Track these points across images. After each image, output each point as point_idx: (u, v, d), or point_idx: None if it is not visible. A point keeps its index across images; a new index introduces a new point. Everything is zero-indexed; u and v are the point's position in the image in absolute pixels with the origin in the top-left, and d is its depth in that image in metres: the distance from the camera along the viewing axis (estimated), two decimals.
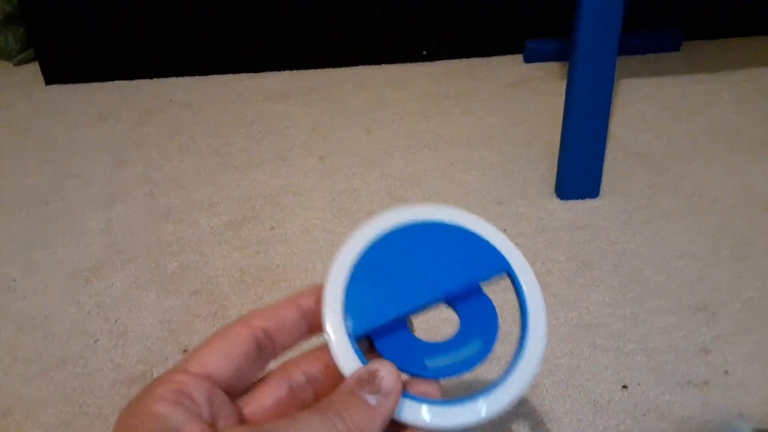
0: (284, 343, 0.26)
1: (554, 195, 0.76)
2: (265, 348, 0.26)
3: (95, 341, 0.59)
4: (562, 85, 0.72)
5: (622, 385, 0.52)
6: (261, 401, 0.25)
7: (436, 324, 0.28)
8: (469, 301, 0.27)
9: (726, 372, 0.53)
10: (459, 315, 0.27)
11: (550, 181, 0.78)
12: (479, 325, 0.27)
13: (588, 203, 0.74)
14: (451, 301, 0.27)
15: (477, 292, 0.27)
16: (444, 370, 0.25)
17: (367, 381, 0.23)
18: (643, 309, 0.59)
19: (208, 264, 0.67)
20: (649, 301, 0.60)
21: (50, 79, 1.13)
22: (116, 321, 0.61)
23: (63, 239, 0.73)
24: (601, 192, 0.75)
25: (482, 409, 0.24)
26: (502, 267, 0.28)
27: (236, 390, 0.25)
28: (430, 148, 0.88)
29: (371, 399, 0.23)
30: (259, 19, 1.10)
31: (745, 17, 1.16)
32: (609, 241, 0.68)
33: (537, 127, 0.92)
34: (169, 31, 1.11)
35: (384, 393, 0.23)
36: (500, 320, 0.27)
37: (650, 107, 0.96)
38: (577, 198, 0.75)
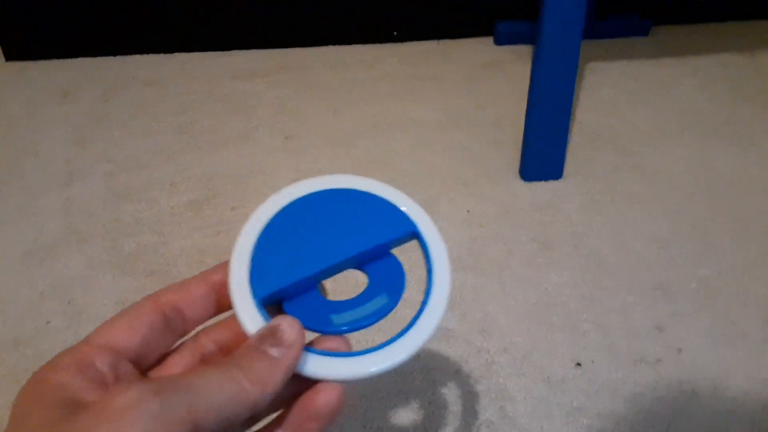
0: (195, 317, 0.26)
1: (519, 177, 0.76)
2: (173, 321, 0.26)
3: (47, 323, 0.58)
4: None
5: (576, 362, 0.53)
6: (170, 370, 0.25)
7: (350, 289, 0.28)
8: (377, 263, 0.28)
9: (679, 350, 0.54)
10: (368, 275, 0.28)
11: (515, 163, 0.78)
12: (386, 283, 0.27)
13: (551, 185, 0.74)
14: (361, 265, 0.28)
15: (386, 254, 0.28)
16: (349, 325, 0.26)
17: (269, 335, 0.23)
18: (600, 289, 0.60)
19: (167, 245, 0.66)
20: (606, 281, 0.61)
21: (11, 55, 1.09)
22: (70, 302, 0.60)
23: (19, 218, 0.71)
24: (565, 174, 0.76)
25: (379, 361, 0.25)
26: (408, 229, 0.28)
27: (145, 362, 0.25)
28: (398, 129, 0.88)
29: (273, 351, 0.23)
30: None
31: (713, 3, 1.17)
32: (570, 222, 0.69)
33: (506, 109, 0.91)
34: (135, 7, 1.08)
35: (285, 345, 0.23)
36: (410, 280, 0.27)
37: (616, 91, 0.96)
38: (540, 180, 0.75)
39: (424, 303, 0.27)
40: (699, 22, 1.18)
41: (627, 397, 0.50)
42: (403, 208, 0.29)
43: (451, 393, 0.51)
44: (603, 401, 0.50)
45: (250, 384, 0.22)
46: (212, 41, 1.11)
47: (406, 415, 0.49)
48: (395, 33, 1.14)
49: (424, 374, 0.52)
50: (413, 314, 0.26)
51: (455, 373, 0.52)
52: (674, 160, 0.80)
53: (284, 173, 0.78)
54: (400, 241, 0.28)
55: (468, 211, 0.71)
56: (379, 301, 0.27)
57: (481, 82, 1.00)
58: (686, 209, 0.71)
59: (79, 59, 1.10)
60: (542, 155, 0.74)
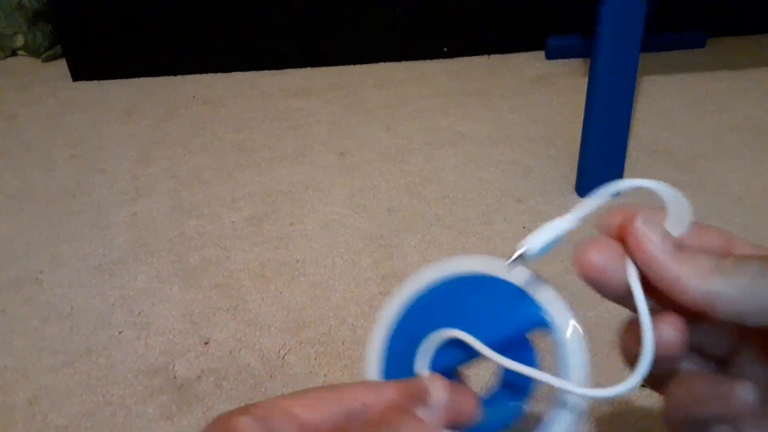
0: (376, 416, 0.24)
1: (575, 192, 0.75)
2: (356, 414, 0.24)
3: (119, 333, 0.60)
4: (584, 82, 0.72)
5: (642, 384, 0.52)
6: None
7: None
8: (512, 353, 0.25)
9: None
10: (499, 369, 0.26)
11: (570, 179, 0.77)
12: (519, 381, 0.25)
13: (609, 201, 0.73)
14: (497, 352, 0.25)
15: (522, 343, 0.26)
16: (479, 428, 0.24)
17: (418, 396, 0.22)
18: None
19: (230, 258, 0.69)
20: None
21: (77, 75, 1.15)
22: (140, 313, 0.62)
23: (89, 233, 0.75)
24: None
25: None
26: (537, 320, 0.26)
27: None
28: (450, 144, 0.88)
29: (421, 412, 0.22)
30: (282, 17, 1.11)
31: None
32: None
33: (558, 124, 0.91)
34: (193, 29, 1.12)
35: (435, 407, 0.22)
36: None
37: (674, 104, 0.94)
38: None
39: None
40: (756, 33, 1.15)
41: None
42: (533, 295, 0.26)
43: None
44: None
45: None
46: (267, 60, 1.14)
47: None
48: (445, 49, 1.15)
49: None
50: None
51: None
52: (736, 175, 0.78)
53: (340, 190, 0.79)
54: (529, 332, 0.26)
55: (524, 227, 0.71)
56: (510, 407, 0.25)
57: (532, 96, 1.00)
58: (750, 227, 0.69)
59: (141, 79, 1.15)
60: (600, 170, 0.73)
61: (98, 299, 0.65)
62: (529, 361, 0.24)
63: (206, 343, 0.58)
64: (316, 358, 0.56)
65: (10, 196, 0.83)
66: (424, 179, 0.81)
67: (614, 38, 0.66)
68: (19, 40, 1.23)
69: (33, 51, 1.24)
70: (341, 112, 0.99)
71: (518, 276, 0.26)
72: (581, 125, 0.73)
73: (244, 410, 0.23)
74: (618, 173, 0.74)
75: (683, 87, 0.99)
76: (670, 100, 0.95)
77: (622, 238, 0.24)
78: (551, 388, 0.24)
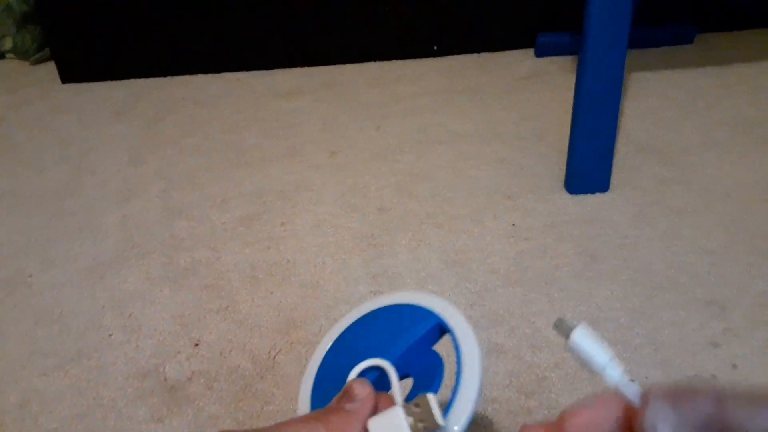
0: None
1: (564, 189, 0.76)
2: None
3: (110, 335, 0.60)
4: (574, 79, 0.72)
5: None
6: None
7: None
8: (420, 363, 0.32)
9: (734, 366, 0.53)
10: (413, 377, 0.32)
11: (560, 176, 0.78)
12: (428, 380, 0.31)
13: (598, 197, 0.74)
14: (407, 369, 0.32)
15: (428, 354, 0.32)
16: None
17: (343, 394, 0.27)
18: (651, 303, 0.59)
19: (220, 260, 0.68)
20: (658, 295, 0.60)
21: (66, 77, 1.15)
22: (130, 315, 0.62)
23: (79, 235, 0.74)
24: (612, 186, 0.75)
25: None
26: (433, 322, 0.32)
27: None
28: (440, 143, 0.88)
29: (348, 406, 0.27)
30: (271, 17, 1.11)
31: (760, 9, 1.15)
32: (618, 235, 0.68)
33: (548, 121, 0.91)
34: (183, 30, 1.12)
35: (358, 400, 0.27)
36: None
37: (662, 101, 0.95)
38: (586, 192, 0.74)
39: (455, 388, 0.30)
40: (745, 29, 1.16)
41: None
42: (430, 307, 0.33)
43: (502, 408, 0.51)
44: None
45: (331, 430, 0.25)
46: (258, 61, 1.14)
47: None
48: (435, 47, 1.15)
49: None
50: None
51: (506, 388, 0.52)
52: (724, 170, 0.78)
53: (331, 189, 0.80)
54: (428, 338, 0.32)
55: (513, 224, 0.71)
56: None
57: (523, 94, 1.00)
58: (738, 222, 0.69)
59: (131, 80, 1.14)
60: (588, 167, 0.73)
61: (89, 301, 0.64)
62: (435, 362, 0.31)
63: (197, 345, 0.58)
64: (307, 358, 0.56)
65: None
66: (414, 178, 0.81)
67: (601, 35, 0.66)
68: (8, 43, 1.23)
69: (22, 53, 1.24)
70: (332, 111, 0.99)
71: (426, 300, 0.33)
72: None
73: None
74: (606, 170, 0.74)
75: (672, 83, 0.99)
76: (658, 97, 0.96)
77: None
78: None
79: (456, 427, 0.28)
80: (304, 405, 0.32)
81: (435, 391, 0.30)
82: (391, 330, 0.32)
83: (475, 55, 1.15)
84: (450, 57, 1.15)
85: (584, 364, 0.24)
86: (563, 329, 0.24)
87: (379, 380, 0.31)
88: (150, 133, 0.96)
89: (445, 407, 0.29)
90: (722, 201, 0.73)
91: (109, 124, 1.00)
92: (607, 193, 0.74)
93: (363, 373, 0.31)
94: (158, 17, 1.11)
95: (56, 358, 0.58)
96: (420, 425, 0.28)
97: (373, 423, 0.28)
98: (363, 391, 0.28)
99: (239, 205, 0.77)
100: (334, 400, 0.28)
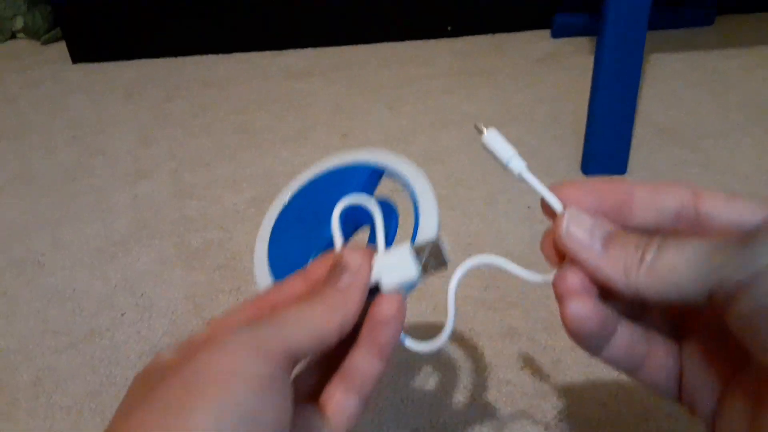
0: None
1: (580, 172, 0.75)
2: None
3: (122, 314, 0.60)
4: (591, 61, 0.71)
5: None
6: None
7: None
8: (367, 213, 0.30)
9: None
10: (370, 226, 0.30)
11: (576, 158, 0.76)
12: (386, 224, 0.30)
13: None
14: (360, 223, 0.31)
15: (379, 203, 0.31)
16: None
17: (336, 268, 0.26)
18: None
19: (232, 240, 0.68)
20: None
21: (77, 57, 1.14)
22: (142, 295, 0.62)
23: (90, 215, 0.74)
24: (629, 169, 0.74)
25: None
26: (366, 171, 0.32)
27: None
28: (454, 125, 0.87)
29: (344, 279, 0.25)
30: None
31: None
32: None
33: (564, 103, 0.90)
34: (194, 10, 1.11)
35: (354, 271, 0.26)
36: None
37: (681, 83, 0.93)
38: (604, 174, 0.73)
39: (414, 206, 0.30)
40: (766, 11, 1.13)
41: None
42: (367, 159, 0.33)
43: (516, 390, 0.50)
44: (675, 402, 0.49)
45: (332, 311, 0.24)
46: (268, 41, 1.13)
47: (472, 411, 0.49)
48: (449, 28, 1.13)
49: (489, 371, 0.52)
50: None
51: (520, 370, 0.52)
52: (743, 154, 0.77)
53: None
54: (368, 183, 0.32)
55: (528, 207, 0.70)
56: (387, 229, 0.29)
57: (538, 75, 0.99)
58: None
59: (142, 60, 1.14)
60: (605, 149, 0.72)
61: (100, 281, 0.64)
62: (389, 209, 0.30)
63: (208, 324, 0.58)
64: None
65: (10, 179, 0.82)
66: (427, 160, 0.80)
67: (621, 16, 0.65)
68: (19, 23, 1.22)
69: (32, 33, 1.23)
70: (343, 92, 0.98)
71: (374, 156, 0.33)
72: (587, 103, 0.72)
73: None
74: (624, 152, 0.73)
75: (691, 65, 0.98)
76: (677, 79, 0.94)
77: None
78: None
79: (433, 236, 0.28)
80: (263, 276, 0.30)
81: (394, 232, 0.30)
82: (331, 197, 0.31)
83: (490, 35, 1.13)
84: (464, 38, 1.13)
85: (495, 159, 0.29)
86: (479, 131, 0.29)
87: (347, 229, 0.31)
88: (160, 113, 0.96)
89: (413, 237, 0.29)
90: (741, 184, 0.71)
91: (119, 104, 1.00)
92: (624, 175, 0.73)
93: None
94: None
95: (69, 336, 0.58)
96: (431, 262, 0.27)
97: (379, 261, 0.27)
98: (356, 258, 0.26)
99: (250, 187, 0.77)
100: (327, 272, 0.26)
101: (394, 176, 0.32)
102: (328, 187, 0.32)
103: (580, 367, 0.52)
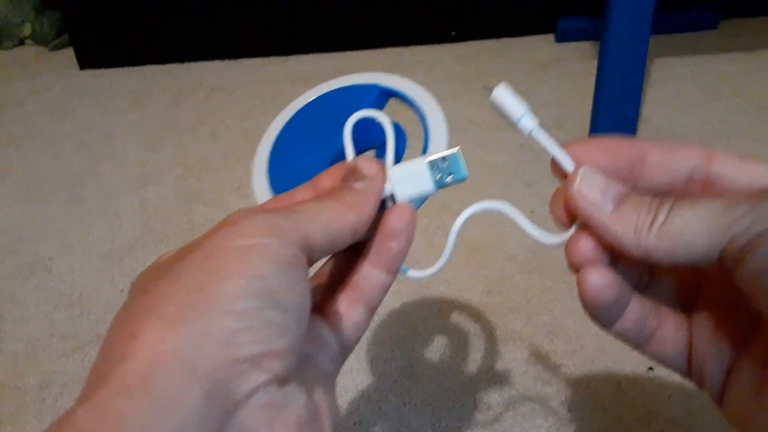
0: None
1: None
2: None
3: None
4: (595, 65, 0.71)
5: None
6: None
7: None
8: (377, 132, 0.29)
9: None
10: (375, 149, 0.30)
11: None
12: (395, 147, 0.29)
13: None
14: (367, 145, 0.30)
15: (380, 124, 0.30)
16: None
17: (350, 173, 0.25)
18: None
19: None
20: None
21: (85, 63, 1.15)
22: None
23: (97, 220, 0.75)
24: None
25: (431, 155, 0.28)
26: (375, 90, 0.31)
27: None
28: (458, 130, 0.88)
29: (358, 185, 0.25)
30: (289, 2, 1.11)
31: None
32: None
33: (568, 108, 0.90)
34: (200, 16, 1.12)
35: (368, 177, 0.25)
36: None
37: (686, 87, 0.93)
38: None
39: (423, 124, 0.30)
40: None
41: (702, 402, 0.49)
42: (379, 82, 0.32)
43: (518, 395, 0.50)
44: (677, 407, 0.49)
45: (346, 208, 0.24)
46: (274, 46, 1.14)
47: (474, 415, 0.49)
48: (453, 33, 1.14)
49: (491, 375, 0.52)
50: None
51: (522, 375, 0.52)
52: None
53: None
54: (377, 103, 0.31)
55: (532, 211, 0.70)
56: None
57: (542, 80, 0.99)
58: None
59: (149, 66, 1.15)
60: None
61: (107, 285, 0.65)
62: (397, 131, 0.29)
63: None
64: None
65: (18, 184, 0.83)
66: None
67: (624, 20, 0.65)
68: (27, 29, 1.23)
69: (40, 40, 1.24)
70: None
71: (376, 78, 0.32)
72: (591, 109, 0.72)
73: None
74: None
75: (695, 69, 0.98)
76: (681, 83, 0.94)
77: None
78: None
79: (444, 149, 0.28)
80: (262, 191, 0.30)
81: (402, 152, 0.29)
82: (338, 113, 0.30)
83: (494, 40, 1.13)
84: (467, 43, 1.13)
85: (504, 117, 0.28)
86: (489, 91, 0.27)
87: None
88: (167, 119, 0.97)
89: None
90: None
91: (126, 110, 1.01)
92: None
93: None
94: (176, 3, 1.11)
95: (76, 340, 0.59)
96: (448, 178, 0.27)
97: (395, 171, 0.26)
98: (371, 166, 0.25)
99: None
100: (342, 178, 0.25)
101: (401, 97, 0.32)
102: (336, 105, 0.32)
103: (582, 372, 0.52)
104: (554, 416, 0.49)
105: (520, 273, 0.62)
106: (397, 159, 0.28)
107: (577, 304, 0.55)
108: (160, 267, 0.22)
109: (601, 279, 0.25)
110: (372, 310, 0.26)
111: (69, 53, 1.17)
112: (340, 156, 0.29)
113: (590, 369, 0.52)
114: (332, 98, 0.32)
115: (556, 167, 0.28)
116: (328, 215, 0.23)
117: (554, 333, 0.55)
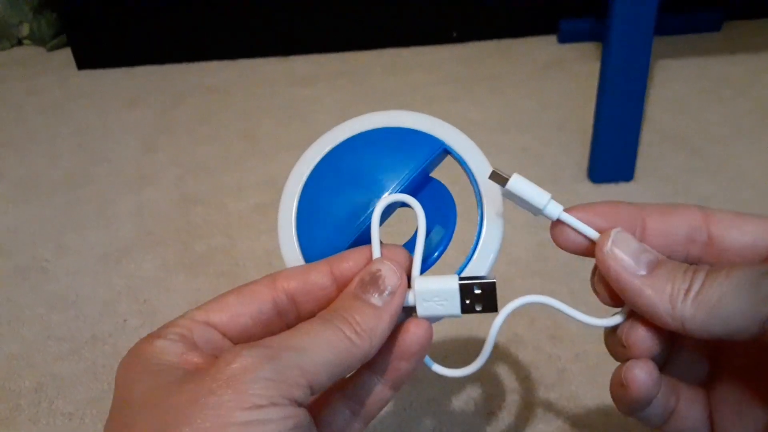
0: (309, 309, 0.25)
1: (587, 179, 0.74)
2: (285, 311, 0.24)
3: (124, 321, 0.60)
4: (598, 67, 0.70)
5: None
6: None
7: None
8: (423, 194, 0.27)
9: None
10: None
11: (582, 165, 0.76)
12: (436, 213, 0.26)
13: (622, 187, 0.72)
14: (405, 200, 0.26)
15: (428, 181, 0.27)
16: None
17: (370, 282, 0.23)
18: None
19: (236, 247, 0.68)
20: None
21: (82, 64, 1.15)
22: (145, 301, 0.62)
23: (94, 222, 0.74)
24: (636, 175, 0.73)
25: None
26: (438, 146, 0.27)
27: (242, 341, 0.24)
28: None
29: (376, 300, 0.22)
30: (287, 2, 1.10)
31: None
32: None
33: (570, 110, 0.89)
34: (198, 16, 1.11)
35: (389, 292, 0.23)
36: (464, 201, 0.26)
37: (688, 89, 0.92)
38: (610, 181, 0.73)
39: (480, 220, 0.26)
40: None
41: None
42: (427, 130, 0.27)
43: (521, 400, 0.50)
44: None
45: (357, 337, 0.21)
46: (273, 47, 1.13)
47: (475, 419, 0.48)
48: (455, 34, 1.13)
49: (493, 379, 0.51)
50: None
51: (525, 379, 0.51)
52: (751, 159, 0.76)
53: None
54: (432, 163, 0.27)
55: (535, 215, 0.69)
56: (436, 235, 0.26)
57: (544, 81, 0.98)
58: (766, 211, 0.67)
59: (147, 67, 1.14)
60: (612, 156, 0.72)
61: (104, 288, 0.64)
62: (441, 192, 0.27)
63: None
64: None
65: (15, 185, 0.83)
66: None
67: (627, 21, 0.64)
68: (25, 29, 1.23)
69: (38, 40, 1.24)
70: (348, 99, 0.98)
71: (421, 122, 0.28)
72: (593, 110, 0.72)
73: (157, 334, 0.22)
74: (631, 159, 0.72)
75: (698, 71, 0.97)
76: (684, 85, 0.93)
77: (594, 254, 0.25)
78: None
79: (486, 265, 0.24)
80: (291, 253, 0.26)
81: (450, 227, 0.26)
82: (387, 156, 0.26)
83: (496, 41, 1.13)
84: (469, 44, 1.13)
85: (525, 206, 0.26)
86: (499, 178, 0.26)
87: (386, 214, 0.26)
88: (165, 120, 0.96)
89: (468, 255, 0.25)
90: (749, 190, 0.71)
91: (124, 110, 1.00)
92: (631, 183, 0.73)
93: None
94: (173, 3, 1.10)
95: (71, 342, 0.58)
96: (479, 302, 0.24)
97: (421, 283, 0.24)
98: (395, 279, 0.23)
99: (254, 194, 0.77)
100: (358, 284, 0.23)
101: (463, 166, 0.27)
102: (383, 146, 0.27)
103: (585, 377, 0.51)
104: (557, 421, 0.48)
105: (523, 276, 0.61)
106: (450, 225, 0.25)
107: (581, 308, 0.54)
108: (158, 380, 0.20)
109: (648, 375, 0.24)
110: (368, 424, 0.24)
111: (67, 54, 1.17)
112: (386, 210, 0.25)
113: (593, 374, 0.51)
114: (379, 137, 0.28)
115: (559, 234, 0.27)
116: (336, 347, 0.21)
117: (557, 337, 0.54)
